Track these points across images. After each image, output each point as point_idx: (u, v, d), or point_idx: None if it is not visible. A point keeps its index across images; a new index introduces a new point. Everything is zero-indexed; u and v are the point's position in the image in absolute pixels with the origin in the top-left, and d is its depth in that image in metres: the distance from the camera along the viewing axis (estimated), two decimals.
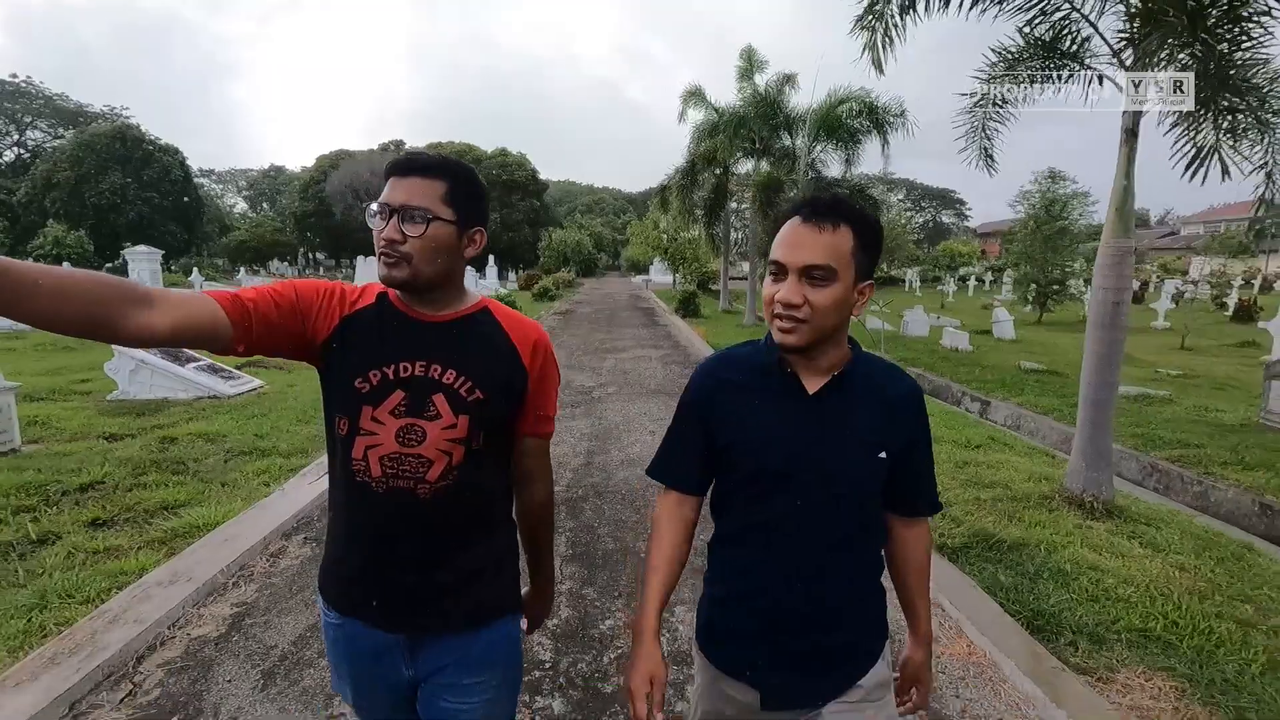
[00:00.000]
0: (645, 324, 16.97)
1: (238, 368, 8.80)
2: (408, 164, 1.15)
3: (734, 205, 20.06)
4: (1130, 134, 4.08)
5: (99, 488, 4.60)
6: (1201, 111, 3.86)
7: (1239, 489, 5.09)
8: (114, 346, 7.92)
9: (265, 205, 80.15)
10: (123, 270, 21.39)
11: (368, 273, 21.37)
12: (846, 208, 1.09)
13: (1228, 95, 3.75)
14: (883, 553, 1.29)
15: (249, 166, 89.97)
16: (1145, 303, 23.32)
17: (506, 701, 1.33)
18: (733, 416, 1.18)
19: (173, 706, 2.25)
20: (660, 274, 39.24)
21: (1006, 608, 3.03)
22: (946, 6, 4.57)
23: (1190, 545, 3.82)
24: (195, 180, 51.23)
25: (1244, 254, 50.14)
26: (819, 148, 13.68)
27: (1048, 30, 4.42)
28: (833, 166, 14.58)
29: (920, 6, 4.74)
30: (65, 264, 26.05)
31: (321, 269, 57.20)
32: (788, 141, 14.52)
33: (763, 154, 15.35)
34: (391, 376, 1.15)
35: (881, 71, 5.14)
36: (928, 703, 1.34)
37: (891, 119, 12.18)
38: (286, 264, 54.47)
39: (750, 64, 14.71)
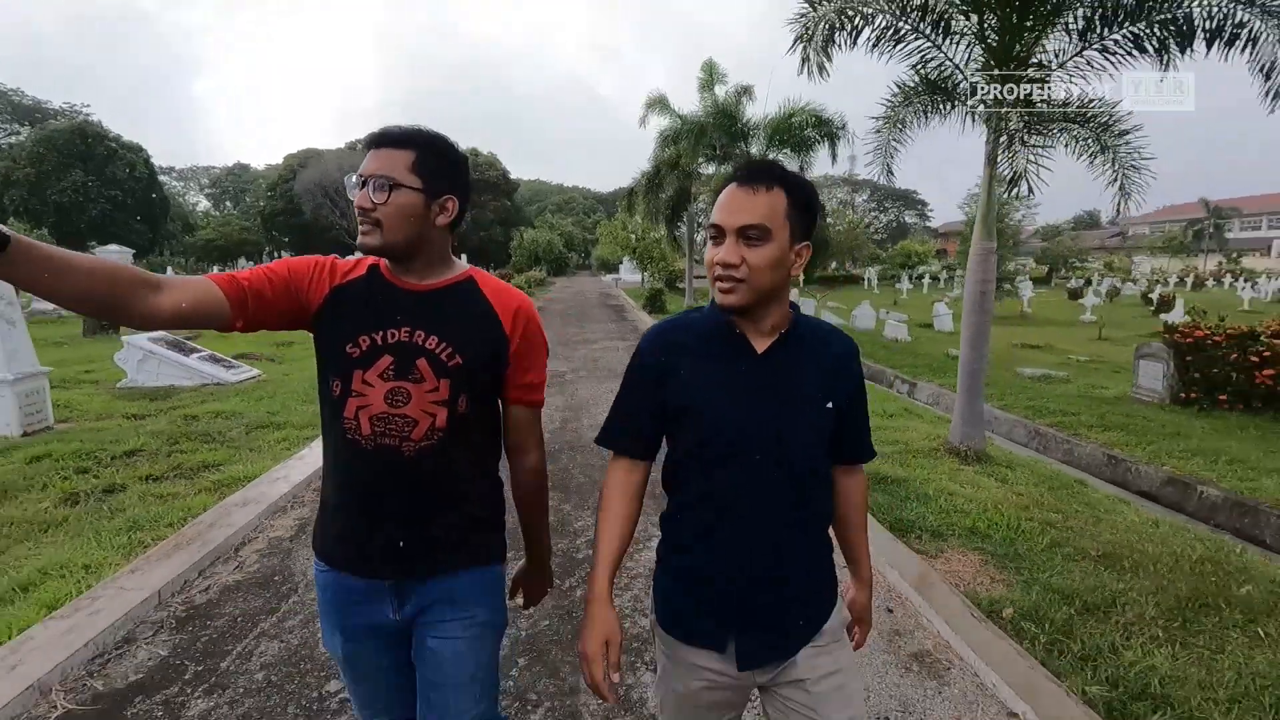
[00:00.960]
0: (614, 319, 17.96)
1: (235, 357, 9.51)
2: (381, 137, 1.23)
3: (700, 207, 21.11)
4: (991, 160, 5.17)
5: (141, 454, 5.38)
6: (1017, 143, 4.94)
7: (1095, 445, 6.25)
8: (123, 338, 8.60)
9: (229, 203, 78.93)
10: None
11: None
12: (779, 170, 1.14)
13: (1039, 129, 4.85)
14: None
15: (211, 164, 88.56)
16: (1082, 298, 24.99)
17: (489, 640, 1.39)
18: (686, 379, 1.20)
19: (271, 573, 3.17)
20: (630, 273, 40.26)
21: (876, 515, 4.07)
22: (854, 46, 5.60)
23: (1033, 480, 4.92)
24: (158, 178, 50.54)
25: (1183, 253, 53.10)
26: (774, 154, 14.78)
27: (932, 71, 5.49)
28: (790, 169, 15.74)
29: (838, 40, 5.76)
30: None
31: None
32: (746, 148, 15.61)
33: (723, 160, 16.42)
34: (380, 342, 1.23)
35: (825, 75, 5.96)
36: (866, 640, 1.47)
37: (836, 130, 13.38)
38: (253, 264, 54.00)
39: (711, 76, 15.80)
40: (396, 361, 1.22)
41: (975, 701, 2.46)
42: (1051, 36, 4.90)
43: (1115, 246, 66.64)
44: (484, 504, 1.36)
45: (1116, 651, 2.67)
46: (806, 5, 5.32)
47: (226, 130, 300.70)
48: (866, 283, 37.82)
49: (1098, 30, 4.62)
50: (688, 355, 1.21)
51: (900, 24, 5.09)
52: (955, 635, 2.74)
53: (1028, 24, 4.82)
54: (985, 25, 4.95)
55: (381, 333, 1.24)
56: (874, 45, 5.45)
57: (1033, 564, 3.48)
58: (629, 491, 1.28)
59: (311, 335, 1.31)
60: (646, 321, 17.09)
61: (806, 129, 13.84)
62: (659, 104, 17.62)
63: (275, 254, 57.13)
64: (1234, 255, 53.52)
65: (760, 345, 1.20)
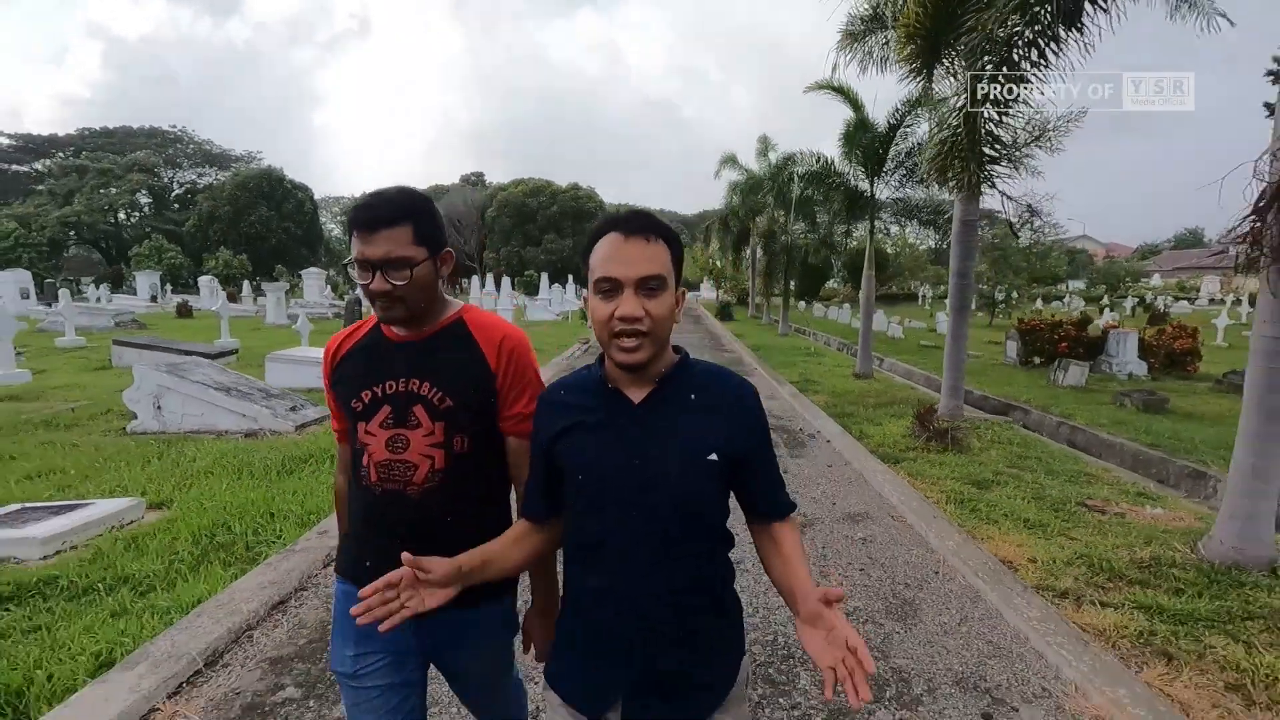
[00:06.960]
0: (693, 326, 24.10)
1: None
2: (373, 219, 1.22)
3: (754, 241, 26.72)
4: (870, 232, 10.68)
5: None
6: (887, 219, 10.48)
7: None
8: None
9: None
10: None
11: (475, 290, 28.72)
12: (659, 223, 1.13)
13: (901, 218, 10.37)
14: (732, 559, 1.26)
15: (339, 194, 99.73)
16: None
17: (505, 655, 1.51)
18: (565, 438, 1.19)
19: None
20: (709, 290, 46.08)
21: (792, 380, 9.70)
22: (802, 185, 11.25)
23: (885, 385, 10.35)
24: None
25: None
26: (808, 196, 20.37)
27: (844, 190, 11.07)
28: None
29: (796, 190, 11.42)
30: (246, 284, 33.31)
31: None
32: (788, 193, 21.13)
33: (777, 206, 21.98)
34: (380, 394, 1.34)
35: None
36: (860, 642, 0.95)
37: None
38: None
39: (765, 146, 21.38)
40: (395, 410, 1.32)
41: (804, 428, 8.10)
42: (895, 174, 10.41)
43: (1209, 266, 66.19)
44: (489, 537, 1.34)
45: (851, 412, 8.20)
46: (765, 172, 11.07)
47: (344, 162, 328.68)
48: (921, 299, 41.91)
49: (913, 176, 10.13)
50: (567, 412, 1.20)
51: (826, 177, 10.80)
52: (808, 412, 8.38)
53: (883, 170, 10.33)
54: (867, 171, 10.51)
55: (381, 385, 1.34)
56: (814, 182, 11.14)
57: (845, 399, 9.02)
58: (518, 537, 1.28)
59: None
60: (716, 325, 22.79)
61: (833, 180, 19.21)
62: (730, 160, 23.32)
63: None
64: None
65: (637, 395, 1.16)
